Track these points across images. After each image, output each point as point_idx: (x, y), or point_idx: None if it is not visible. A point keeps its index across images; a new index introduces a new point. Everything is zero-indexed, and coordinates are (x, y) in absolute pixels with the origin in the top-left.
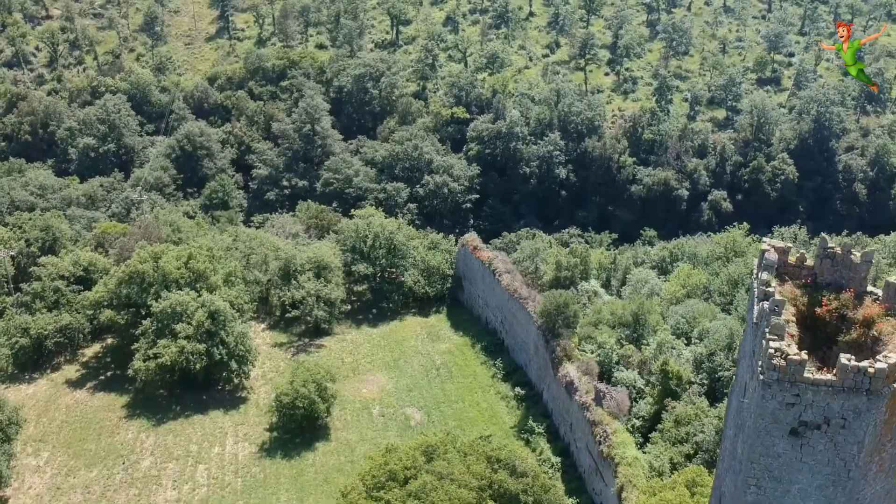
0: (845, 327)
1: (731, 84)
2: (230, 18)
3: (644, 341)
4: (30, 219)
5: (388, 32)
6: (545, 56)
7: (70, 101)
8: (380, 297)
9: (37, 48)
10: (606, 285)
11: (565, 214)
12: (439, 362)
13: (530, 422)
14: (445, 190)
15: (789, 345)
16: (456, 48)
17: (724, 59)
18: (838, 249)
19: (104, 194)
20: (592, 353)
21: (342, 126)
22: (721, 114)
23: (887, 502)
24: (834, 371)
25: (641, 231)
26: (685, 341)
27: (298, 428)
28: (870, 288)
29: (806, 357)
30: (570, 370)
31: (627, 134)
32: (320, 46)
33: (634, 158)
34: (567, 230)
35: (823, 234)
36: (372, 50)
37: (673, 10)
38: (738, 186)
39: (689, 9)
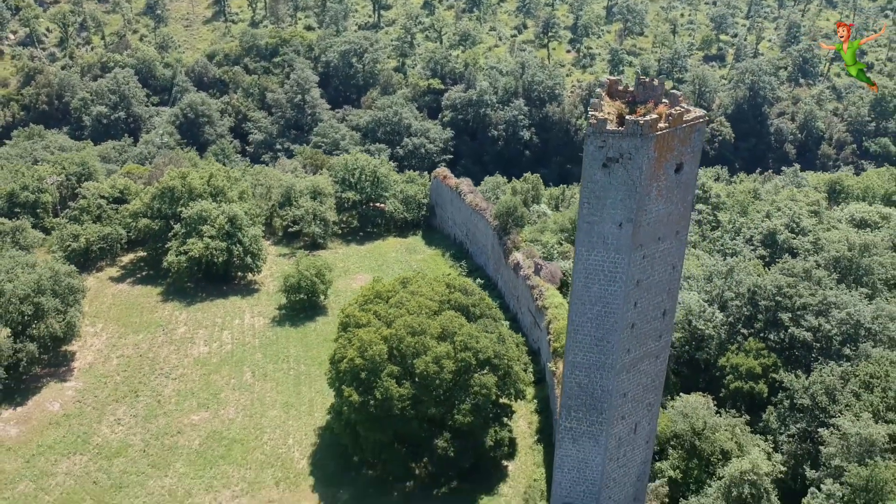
0: None
1: (677, 58)
2: (225, 2)
3: None
4: (67, 156)
5: (370, 16)
6: (513, 36)
7: (82, 74)
8: (365, 221)
9: (47, 29)
10: (556, 210)
11: (528, 173)
12: (415, 266)
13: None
14: (423, 151)
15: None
16: (432, 28)
17: (675, 39)
18: (646, 80)
19: (116, 155)
20: (538, 250)
21: (329, 97)
22: (668, 84)
23: (670, 222)
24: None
25: None
26: None
27: (302, 307)
28: (664, 100)
29: (607, 118)
30: (517, 255)
31: (584, 100)
32: (308, 28)
33: None
34: None
35: (638, 72)
36: (355, 31)
37: None
38: None
39: None
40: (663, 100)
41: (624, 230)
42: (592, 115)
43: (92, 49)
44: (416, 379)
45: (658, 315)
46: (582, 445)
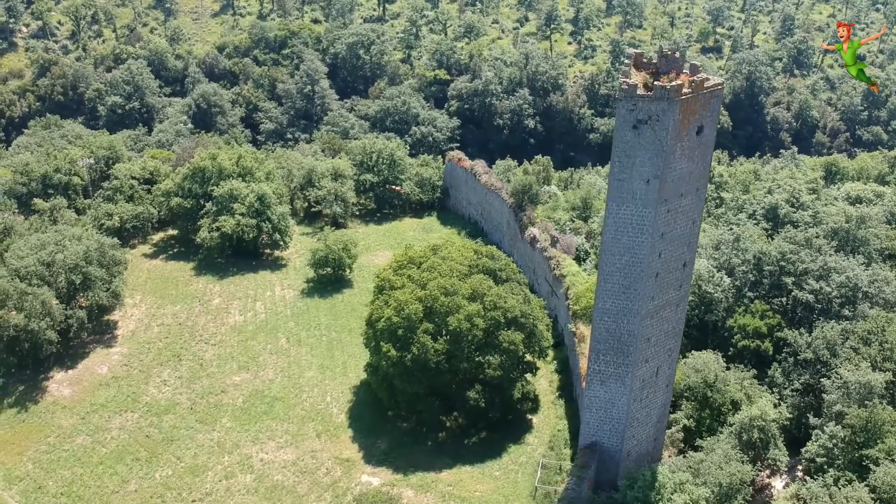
0: None
1: (675, 48)
2: None
3: (591, 219)
4: (95, 140)
5: (374, 9)
6: (515, 29)
7: (95, 66)
8: (382, 203)
9: (59, 22)
10: (566, 190)
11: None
12: (433, 244)
13: None
14: (430, 139)
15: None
16: (437, 21)
17: (673, 31)
18: (668, 52)
19: (132, 144)
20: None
21: (337, 88)
22: None
23: (691, 180)
24: (651, 91)
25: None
26: None
27: (329, 280)
28: (684, 70)
29: (637, 83)
30: (533, 230)
31: (586, 90)
32: (315, 21)
33: (592, 111)
34: None
35: (661, 45)
36: (361, 24)
37: None
38: None
39: None
40: (684, 70)
41: (651, 186)
42: (624, 81)
43: (103, 42)
44: (449, 336)
45: (679, 266)
46: (609, 387)
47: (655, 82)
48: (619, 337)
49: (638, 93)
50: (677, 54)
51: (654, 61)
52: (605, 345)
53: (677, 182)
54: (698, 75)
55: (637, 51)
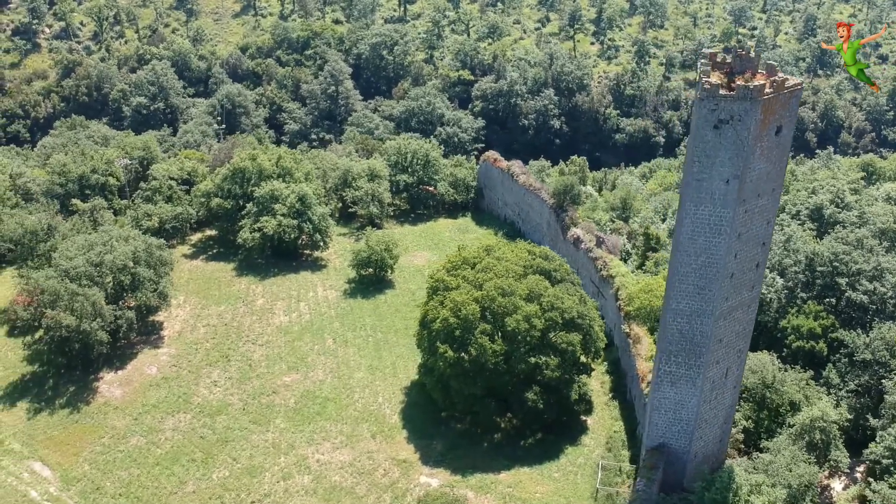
0: None
1: (701, 48)
2: None
3: (631, 219)
4: (130, 141)
5: (395, 10)
6: (537, 29)
7: (119, 67)
8: (416, 203)
9: (81, 23)
10: (600, 191)
11: (559, 160)
12: (469, 245)
13: None
14: (455, 139)
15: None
16: (459, 21)
17: (696, 31)
18: (742, 52)
19: (158, 145)
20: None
21: (360, 89)
22: (692, 75)
23: (769, 180)
24: (734, 91)
25: None
26: (661, 217)
27: (371, 281)
28: (760, 70)
29: (719, 82)
30: (576, 231)
31: (612, 90)
32: (336, 21)
33: (618, 111)
34: None
35: (737, 45)
36: (382, 25)
37: None
38: None
39: None
40: (759, 70)
41: (731, 186)
42: (706, 81)
43: (126, 42)
44: (505, 337)
45: (753, 266)
46: (680, 388)
47: (734, 83)
48: (691, 338)
49: (720, 93)
50: (752, 54)
51: (729, 61)
52: (676, 346)
53: (756, 182)
54: (777, 75)
55: (712, 51)
